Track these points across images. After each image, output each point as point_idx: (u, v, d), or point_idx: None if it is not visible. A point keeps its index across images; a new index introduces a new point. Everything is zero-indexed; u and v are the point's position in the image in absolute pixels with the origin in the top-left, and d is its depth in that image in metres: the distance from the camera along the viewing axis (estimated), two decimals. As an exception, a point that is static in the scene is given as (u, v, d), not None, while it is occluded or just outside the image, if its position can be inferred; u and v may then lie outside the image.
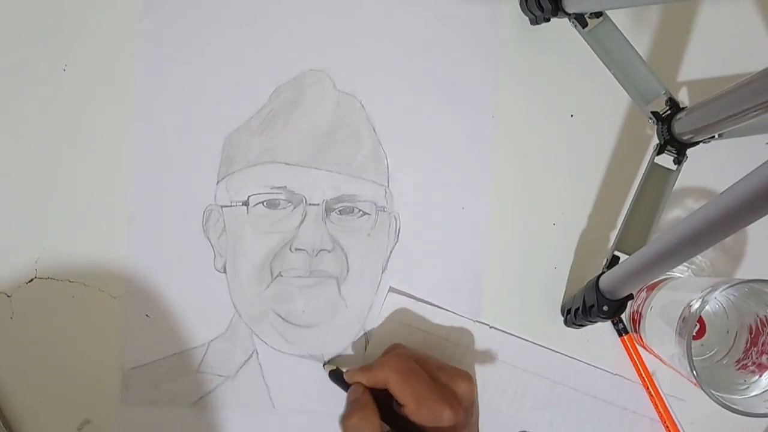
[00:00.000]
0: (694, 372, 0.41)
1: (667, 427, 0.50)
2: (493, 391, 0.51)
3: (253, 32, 0.52)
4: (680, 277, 0.51)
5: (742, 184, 0.29)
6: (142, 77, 0.52)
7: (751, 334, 0.47)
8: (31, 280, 0.50)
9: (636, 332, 0.50)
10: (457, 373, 0.46)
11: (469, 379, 0.46)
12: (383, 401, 0.45)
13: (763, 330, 0.45)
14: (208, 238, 0.51)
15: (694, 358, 0.41)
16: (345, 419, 0.45)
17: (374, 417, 0.44)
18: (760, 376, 0.44)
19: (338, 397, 0.50)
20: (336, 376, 0.49)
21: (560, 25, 0.50)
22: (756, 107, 0.37)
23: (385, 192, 0.52)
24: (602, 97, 0.52)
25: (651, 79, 0.48)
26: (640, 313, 0.49)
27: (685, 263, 0.52)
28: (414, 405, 0.43)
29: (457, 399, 0.45)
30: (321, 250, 0.51)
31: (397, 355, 0.47)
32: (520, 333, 0.51)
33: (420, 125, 0.52)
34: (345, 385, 0.48)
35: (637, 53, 0.48)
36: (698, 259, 0.52)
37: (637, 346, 0.51)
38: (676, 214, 0.52)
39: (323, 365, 0.51)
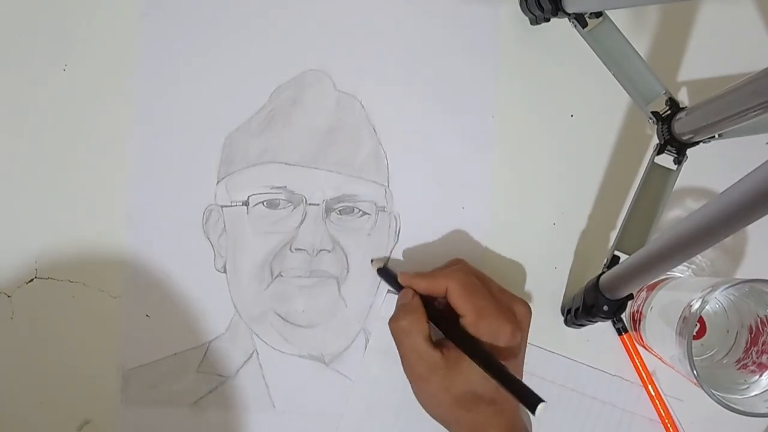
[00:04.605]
0: (695, 372, 0.41)
1: (666, 427, 0.50)
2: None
3: (253, 32, 0.52)
4: (680, 277, 0.51)
5: (742, 184, 0.29)
6: (142, 77, 0.52)
7: (751, 333, 0.47)
8: (31, 280, 0.50)
9: (636, 332, 0.50)
10: (516, 298, 0.47)
11: (527, 306, 0.46)
12: (432, 311, 0.45)
13: (763, 330, 0.45)
14: (208, 238, 0.51)
15: (694, 358, 0.41)
16: (394, 321, 0.45)
17: (423, 321, 0.44)
18: (761, 375, 0.44)
19: (338, 397, 0.50)
20: (386, 274, 0.49)
21: (560, 25, 0.50)
22: (756, 107, 0.36)
23: (385, 192, 0.52)
24: (602, 97, 0.52)
25: (651, 79, 0.48)
26: (641, 313, 0.49)
27: (685, 263, 0.52)
28: (474, 317, 0.43)
29: (516, 321, 0.45)
30: (321, 250, 0.51)
31: (460, 269, 0.46)
32: (520, 333, 0.51)
33: (420, 125, 0.52)
34: (395, 285, 0.48)
35: (637, 53, 0.48)
36: (698, 259, 0.52)
37: (637, 346, 0.51)
38: (676, 214, 0.52)
39: (371, 261, 0.50)
